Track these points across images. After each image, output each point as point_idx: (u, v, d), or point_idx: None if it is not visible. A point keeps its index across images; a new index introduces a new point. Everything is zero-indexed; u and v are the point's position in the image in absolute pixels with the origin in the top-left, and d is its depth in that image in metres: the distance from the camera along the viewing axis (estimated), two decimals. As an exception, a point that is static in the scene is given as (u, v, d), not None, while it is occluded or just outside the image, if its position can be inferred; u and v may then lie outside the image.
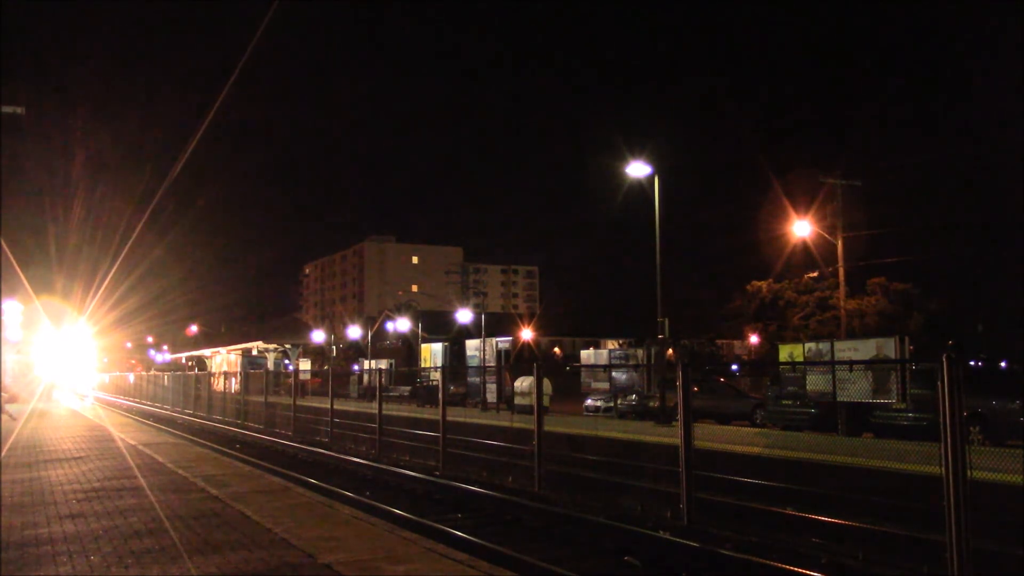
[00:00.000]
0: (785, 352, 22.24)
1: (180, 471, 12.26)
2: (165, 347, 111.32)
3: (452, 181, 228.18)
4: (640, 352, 31.59)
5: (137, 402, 53.79)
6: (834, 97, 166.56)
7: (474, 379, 30.12)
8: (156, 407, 47.22)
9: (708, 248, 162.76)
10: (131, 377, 69.86)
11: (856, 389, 17.59)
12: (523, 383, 23.80)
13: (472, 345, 34.17)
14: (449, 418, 18.28)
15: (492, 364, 30.75)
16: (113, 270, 48.42)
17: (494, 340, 33.54)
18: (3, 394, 30.23)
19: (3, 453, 14.81)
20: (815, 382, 18.89)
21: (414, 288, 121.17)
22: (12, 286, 36.74)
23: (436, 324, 62.01)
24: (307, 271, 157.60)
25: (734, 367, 36.26)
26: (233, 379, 37.27)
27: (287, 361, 63.60)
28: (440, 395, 18.76)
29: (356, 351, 68.15)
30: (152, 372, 69.51)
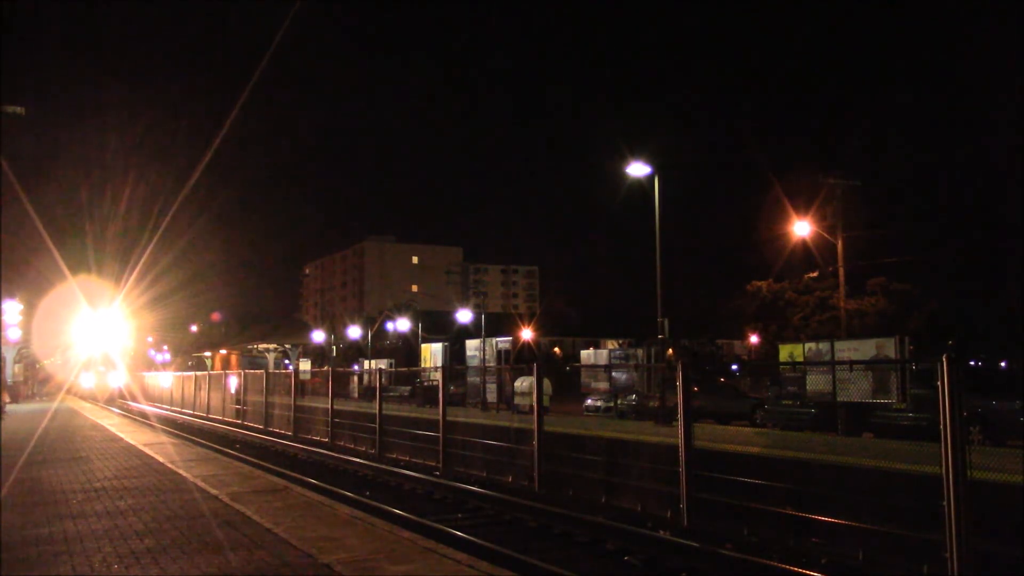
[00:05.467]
0: (785, 352, 22.22)
1: (180, 471, 12.27)
2: (165, 347, 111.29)
3: (452, 181, 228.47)
4: (640, 352, 31.51)
5: (137, 401, 53.80)
6: (835, 97, 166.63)
7: (474, 379, 30.06)
8: (155, 407, 47.24)
9: (708, 248, 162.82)
10: (130, 377, 69.81)
11: (856, 389, 17.55)
12: (523, 383, 23.77)
13: (472, 345, 34.10)
14: (449, 418, 18.30)
15: (492, 364, 30.71)
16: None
17: (494, 340, 33.48)
18: (3, 395, 30.23)
19: (5, 453, 14.80)
20: (815, 382, 18.85)
21: (414, 288, 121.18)
22: (13, 285, 36.77)
23: (436, 324, 61.98)
24: (307, 271, 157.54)
25: (734, 367, 36.20)
26: (233, 379, 37.24)
27: (287, 361, 63.63)
28: (440, 395, 18.77)
29: (356, 351, 68.08)
30: (152, 373, 69.47)
